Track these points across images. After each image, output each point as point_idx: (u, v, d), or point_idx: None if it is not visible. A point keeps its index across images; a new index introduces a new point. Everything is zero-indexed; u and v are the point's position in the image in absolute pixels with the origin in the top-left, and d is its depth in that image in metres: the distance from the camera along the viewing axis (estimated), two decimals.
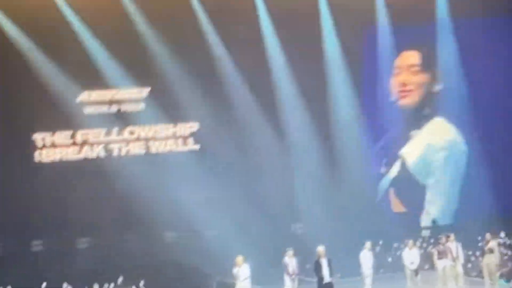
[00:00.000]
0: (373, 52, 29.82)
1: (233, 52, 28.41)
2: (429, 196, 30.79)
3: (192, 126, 28.73)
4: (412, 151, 30.72)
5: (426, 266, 26.27)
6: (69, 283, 25.10)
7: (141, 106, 28.22)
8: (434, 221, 30.27)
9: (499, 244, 26.54)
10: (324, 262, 23.32)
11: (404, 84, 30.52)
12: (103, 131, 27.95)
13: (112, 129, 28.05)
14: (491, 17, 29.59)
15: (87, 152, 27.79)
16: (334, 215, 28.69)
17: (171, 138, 28.63)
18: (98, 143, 27.89)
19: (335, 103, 29.55)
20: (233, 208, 27.97)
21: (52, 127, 27.30)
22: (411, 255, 24.71)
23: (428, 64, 30.49)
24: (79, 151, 27.72)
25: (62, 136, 27.55)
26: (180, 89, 27.98)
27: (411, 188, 30.51)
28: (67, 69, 27.00)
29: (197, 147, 28.67)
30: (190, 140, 28.71)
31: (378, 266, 26.33)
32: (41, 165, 27.28)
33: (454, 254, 24.29)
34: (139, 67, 27.66)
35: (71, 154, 27.62)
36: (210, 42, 28.49)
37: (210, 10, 28.33)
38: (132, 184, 26.97)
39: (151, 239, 27.50)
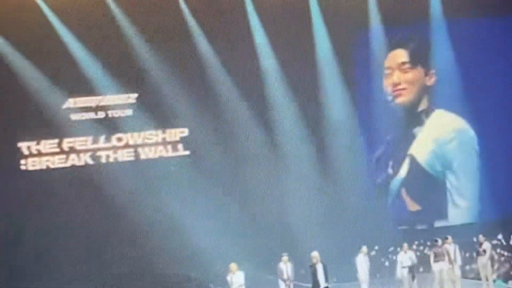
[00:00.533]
0: (365, 53, 29.67)
1: (223, 55, 28.17)
2: (450, 188, 30.64)
3: (182, 132, 28.41)
4: (421, 149, 30.68)
5: (421, 269, 25.86)
6: None
7: (129, 112, 27.88)
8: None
9: (495, 246, 26.40)
10: (319, 267, 23.18)
11: (396, 84, 30.43)
12: (90, 138, 27.60)
13: (100, 136, 27.71)
14: (483, 17, 29.63)
15: (74, 160, 27.42)
16: (328, 219, 28.48)
17: (160, 144, 28.27)
18: (85, 151, 27.57)
19: (327, 106, 29.33)
20: (225, 214, 27.80)
21: (38, 135, 26.98)
22: (405, 259, 24.52)
23: (418, 60, 30.41)
24: (66, 159, 27.39)
25: (48, 144, 27.17)
26: (168, 94, 27.72)
27: (422, 185, 30.42)
28: (52, 76, 26.73)
29: (187, 152, 28.30)
30: (180, 146, 28.36)
31: (374, 271, 26.12)
32: (27, 173, 26.92)
33: (452, 257, 24.19)
34: (126, 73, 27.41)
35: (57, 162, 27.28)
36: (199, 45, 28.24)
37: (199, 14, 28.08)
38: (121, 191, 26.77)
39: (141, 246, 27.06)
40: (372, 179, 30.24)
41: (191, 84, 27.80)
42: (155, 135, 28.23)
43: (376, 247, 28.42)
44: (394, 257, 26.67)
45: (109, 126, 27.71)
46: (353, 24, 29.05)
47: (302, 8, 28.80)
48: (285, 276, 23.45)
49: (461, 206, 30.59)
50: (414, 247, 26.80)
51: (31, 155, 26.99)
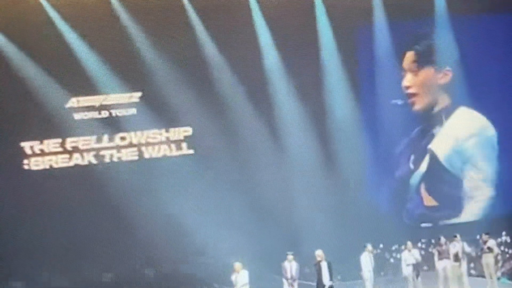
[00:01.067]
0: (369, 49, 29.58)
1: (227, 53, 28.06)
2: (469, 185, 30.68)
3: (186, 131, 28.30)
4: (441, 145, 30.70)
5: (425, 267, 25.74)
6: None
7: (132, 111, 27.78)
8: None
9: (500, 243, 26.34)
10: (323, 266, 23.25)
11: (408, 87, 30.43)
12: (93, 138, 27.50)
13: (103, 136, 27.58)
14: (490, 12, 29.59)
15: (78, 160, 27.32)
16: (333, 217, 28.30)
17: (164, 143, 28.17)
18: (89, 150, 27.46)
19: (332, 103, 29.23)
20: (230, 213, 27.68)
21: (41, 135, 26.87)
22: (410, 257, 24.47)
23: (426, 59, 30.33)
24: (69, 159, 27.28)
25: (51, 144, 27.08)
26: (172, 93, 27.57)
27: (440, 181, 30.47)
28: (55, 75, 26.59)
29: (191, 151, 28.17)
30: (184, 145, 28.23)
31: (379, 269, 26.02)
32: (31, 173, 26.79)
33: (460, 255, 24.22)
34: (129, 71, 27.25)
35: (61, 162, 27.17)
36: (203, 43, 28.13)
37: (203, 12, 27.98)
38: (125, 191, 26.63)
39: (145, 246, 27.01)
40: (379, 177, 30.21)
41: (195, 83, 27.65)
42: (159, 134, 28.13)
43: (381, 245, 28.32)
44: (398, 255, 26.51)
45: (113, 125, 27.61)
46: (357, 21, 28.97)
47: (306, 4, 28.71)
48: (288, 275, 23.44)
49: (476, 204, 30.54)
50: (419, 244, 26.60)
51: (34, 154, 26.89)
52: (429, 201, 30.55)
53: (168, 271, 26.64)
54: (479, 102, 30.31)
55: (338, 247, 25.94)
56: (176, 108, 27.74)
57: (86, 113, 27.37)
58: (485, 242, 24.67)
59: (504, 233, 29.30)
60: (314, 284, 23.68)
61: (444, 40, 29.86)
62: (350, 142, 29.23)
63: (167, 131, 28.19)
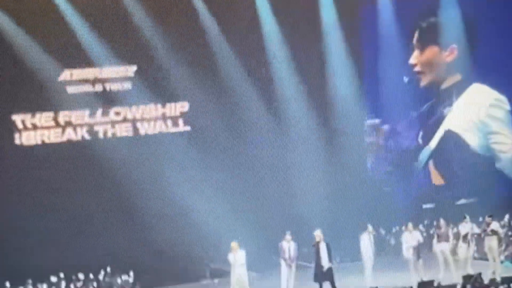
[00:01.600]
0: (373, 27, 29.39)
1: (226, 27, 27.68)
2: (483, 163, 30.50)
3: (182, 106, 27.86)
4: (458, 122, 30.65)
5: (425, 250, 25.37)
6: (55, 273, 24.06)
7: (128, 85, 27.28)
8: None
9: (503, 226, 26.41)
10: (322, 246, 22.97)
11: (413, 65, 30.26)
12: (86, 112, 27.02)
13: (97, 110, 27.12)
14: None
15: (70, 135, 26.90)
16: (333, 198, 28.20)
17: (160, 119, 27.76)
18: (82, 125, 27.03)
19: (335, 81, 28.96)
20: (227, 191, 27.45)
21: (33, 108, 26.40)
22: (410, 239, 24.10)
23: (430, 38, 30.00)
24: (62, 134, 26.84)
25: (43, 118, 26.61)
26: (168, 67, 27.23)
27: (451, 160, 30.41)
28: (48, 46, 26.12)
29: (187, 128, 27.81)
30: (181, 121, 27.85)
31: (379, 250, 25.73)
32: (22, 148, 26.36)
33: (469, 236, 24.07)
34: (125, 44, 26.84)
35: (53, 136, 26.74)
36: (201, 18, 27.68)
37: None
38: (119, 167, 26.38)
39: (141, 225, 26.70)
40: (380, 157, 30.03)
41: (192, 57, 27.32)
42: (155, 110, 27.70)
43: (381, 226, 28.05)
44: (399, 237, 26.10)
45: (107, 99, 27.16)
46: None
47: None
48: (286, 256, 23.17)
49: (490, 184, 30.35)
50: (421, 227, 26.27)
51: (26, 128, 26.45)
52: (437, 179, 30.38)
53: (164, 249, 26.29)
54: (492, 79, 30.06)
55: (337, 227, 25.79)
56: (172, 83, 27.41)
57: (79, 86, 26.89)
58: (488, 225, 24.32)
59: (507, 215, 28.94)
60: (313, 265, 23.32)
61: (450, 16, 29.59)
62: (352, 121, 29.03)
63: (163, 106, 27.77)
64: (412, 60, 30.08)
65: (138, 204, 26.51)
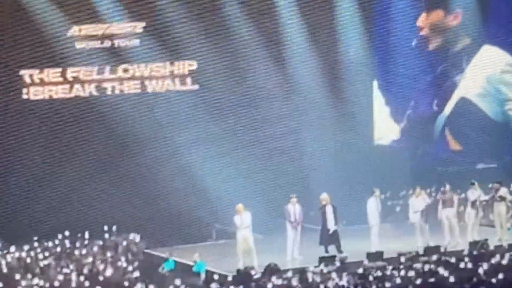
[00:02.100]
0: None
1: None
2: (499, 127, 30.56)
3: (190, 65, 27.52)
4: (471, 86, 30.41)
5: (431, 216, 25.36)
6: (61, 230, 24.09)
7: (136, 42, 26.96)
8: None
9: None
10: (329, 209, 22.99)
11: (421, 28, 29.99)
12: (95, 68, 26.70)
13: (105, 67, 26.80)
14: None
15: (78, 91, 26.62)
16: (340, 160, 28.00)
17: (168, 77, 27.46)
18: (90, 81, 26.71)
19: (344, 43, 28.60)
20: (234, 151, 27.31)
21: (41, 63, 26.06)
22: (417, 203, 24.22)
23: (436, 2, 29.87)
24: (70, 90, 26.53)
25: (51, 73, 26.30)
26: (177, 24, 26.84)
27: (467, 126, 30.33)
28: (57, 1, 25.75)
29: (195, 87, 27.50)
30: (189, 80, 27.54)
31: (385, 214, 25.81)
32: (29, 103, 26.09)
33: (478, 203, 24.18)
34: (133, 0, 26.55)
35: (61, 92, 26.44)
36: None
37: None
38: (126, 125, 26.21)
39: (145, 183, 26.51)
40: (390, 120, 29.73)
41: (201, 15, 26.97)
42: (163, 68, 27.41)
43: (388, 190, 27.90)
44: (406, 201, 26.03)
45: (115, 56, 26.80)
46: None
47: None
48: (292, 218, 23.16)
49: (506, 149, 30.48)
50: (428, 191, 26.17)
51: (34, 83, 26.16)
52: (454, 145, 30.46)
53: (169, 209, 26.18)
54: (503, 40, 29.93)
55: (344, 191, 25.69)
56: (181, 41, 27.06)
57: (88, 42, 26.54)
58: (496, 191, 24.46)
59: None
60: (319, 227, 23.30)
61: None
62: (361, 84, 28.83)
63: (171, 64, 27.44)
64: (419, 23, 29.75)
65: (144, 162, 26.40)
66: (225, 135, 27.29)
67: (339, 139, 28.21)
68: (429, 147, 30.41)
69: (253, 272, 20.13)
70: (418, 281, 18.12)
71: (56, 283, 19.67)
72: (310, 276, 19.36)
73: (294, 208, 23.19)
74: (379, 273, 19.12)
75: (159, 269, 21.77)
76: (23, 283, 19.91)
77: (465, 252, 21.88)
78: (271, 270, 20.32)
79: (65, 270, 21.03)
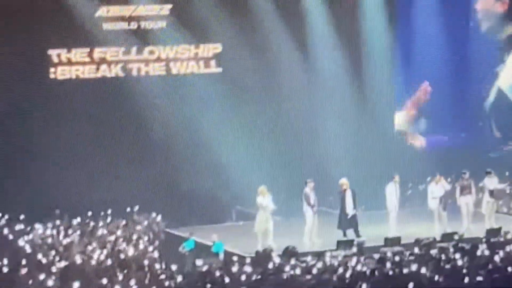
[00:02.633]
0: None
1: None
2: None
3: (215, 48, 27.65)
4: (508, 81, 30.39)
5: (449, 201, 25.40)
6: (85, 209, 24.30)
7: (162, 24, 27.09)
8: None
9: None
10: (348, 194, 23.04)
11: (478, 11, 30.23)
12: (121, 49, 26.89)
13: (131, 48, 26.97)
14: None
15: (105, 72, 26.82)
16: (361, 145, 28.10)
17: (192, 59, 27.59)
18: (116, 62, 26.90)
19: (368, 30, 28.59)
20: (257, 134, 27.55)
21: (69, 43, 26.30)
22: (437, 190, 24.22)
23: None
24: (96, 70, 26.75)
25: (78, 53, 26.55)
26: (203, 7, 26.92)
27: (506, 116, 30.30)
28: None
29: (219, 70, 27.61)
30: (213, 63, 27.66)
31: (404, 200, 25.71)
32: (56, 82, 26.32)
33: (495, 192, 24.24)
34: None
35: (87, 72, 26.66)
36: None
37: None
38: (151, 106, 26.50)
39: (168, 162, 26.75)
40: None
41: None
42: (188, 50, 27.54)
43: (408, 176, 27.82)
44: (426, 187, 26.09)
45: (141, 37, 26.98)
46: None
47: None
48: (312, 202, 23.12)
49: None
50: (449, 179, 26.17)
51: (61, 63, 26.40)
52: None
53: (190, 190, 26.42)
54: None
55: (364, 176, 25.76)
56: (206, 24, 27.12)
57: (115, 23, 26.73)
58: None
59: None
60: (337, 212, 23.46)
61: None
62: (382, 71, 28.76)
63: (196, 47, 27.57)
64: (478, 5, 29.85)
65: (167, 143, 26.59)
66: (246, 118, 27.50)
67: (360, 125, 28.32)
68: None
69: (272, 254, 20.23)
70: (435, 267, 18.17)
71: (79, 261, 19.88)
72: (328, 259, 19.45)
73: (311, 192, 23.38)
74: (396, 258, 19.11)
75: (179, 248, 21.98)
76: (44, 260, 20.11)
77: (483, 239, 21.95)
78: (290, 253, 20.42)
79: (89, 248, 21.25)
